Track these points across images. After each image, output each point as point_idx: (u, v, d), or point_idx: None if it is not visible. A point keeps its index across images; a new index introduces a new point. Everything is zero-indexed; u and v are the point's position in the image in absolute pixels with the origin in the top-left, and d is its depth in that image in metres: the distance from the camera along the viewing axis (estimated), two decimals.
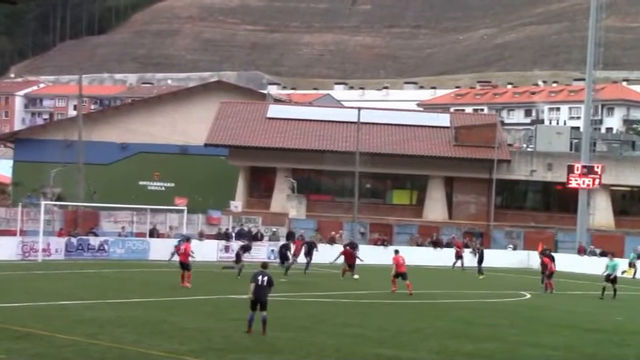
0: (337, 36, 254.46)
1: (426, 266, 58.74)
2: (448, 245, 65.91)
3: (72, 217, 60.64)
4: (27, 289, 36.05)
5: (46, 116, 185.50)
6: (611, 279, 43.15)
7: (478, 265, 55.84)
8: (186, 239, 43.96)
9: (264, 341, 24.41)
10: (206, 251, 56.42)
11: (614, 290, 42.98)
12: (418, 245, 65.81)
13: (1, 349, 21.35)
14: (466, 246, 65.13)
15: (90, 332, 24.27)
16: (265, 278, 25.44)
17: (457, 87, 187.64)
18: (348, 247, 49.17)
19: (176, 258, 45.21)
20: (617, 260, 46.02)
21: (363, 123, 72.01)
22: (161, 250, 55.28)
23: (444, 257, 63.11)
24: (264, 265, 26.71)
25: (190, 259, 39.92)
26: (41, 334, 23.80)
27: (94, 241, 55.07)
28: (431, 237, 67.38)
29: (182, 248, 40.53)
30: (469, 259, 61.16)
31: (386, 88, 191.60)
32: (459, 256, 60.97)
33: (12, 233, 53.28)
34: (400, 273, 41.05)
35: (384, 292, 40.44)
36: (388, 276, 41.93)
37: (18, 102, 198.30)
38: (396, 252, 42.29)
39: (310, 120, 78.85)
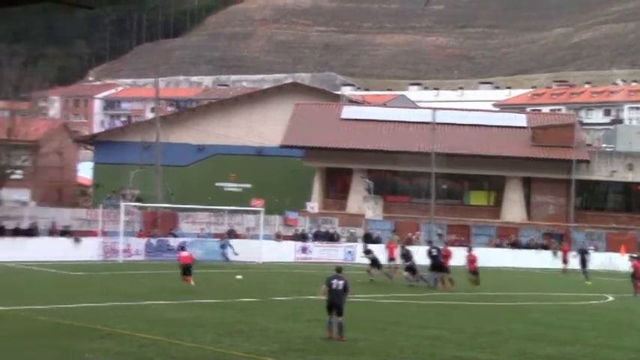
0: (411, 36, 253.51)
1: (505, 268, 58.23)
2: (527, 247, 65.27)
3: (151, 218, 61.28)
4: (108, 289, 36.52)
5: (124, 119, 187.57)
6: None
7: (582, 268, 54.55)
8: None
9: (343, 343, 24.38)
10: (283, 252, 56.70)
11: None
12: (497, 246, 65.26)
13: (86, 348, 21.66)
14: (545, 247, 64.42)
15: (170, 332, 24.48)
16: (341, 282, 25.15)
17: (533, 87, 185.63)
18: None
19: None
20: None
21: (438, 123, 71.63)
22: (239, 251, 55.65)
23: (523, 258, 62.49)
24: (339, 270, 26.20)
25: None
26: (123, 333, 24.08)
27: (173, 242, 55.59)
28: (509, 238, 66.77)
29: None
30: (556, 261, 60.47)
31: (461, 88, 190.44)
32: (565, 260, 60.22)
33: (93, 234, 54.02)
34: (470, 271, 41.12)
35: (461, 294, 40.17)
36: (465, 277, 41.70)
37: (97, 105, 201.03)
38: (469, 250, 42.38)
39: (385, 121, 78.64)
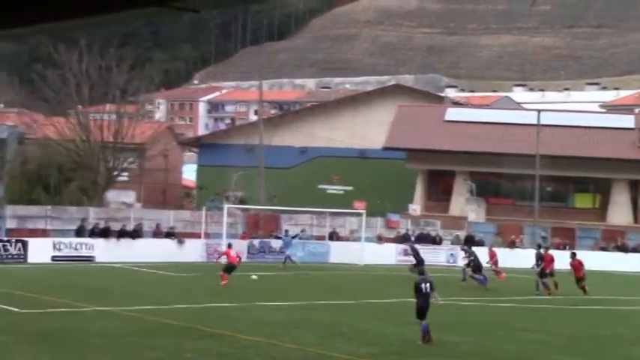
0: (516, 37, 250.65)
1: (610, 271, 57.11)
2: (634, 250, 63.91)
3: (253, 220, 61.76)
4: (211, 290, 36.93)
5: (228, 121, 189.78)
6: None
7: None
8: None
9: (445, 345, 24.23)
10: (385, 254, 56.55)
11: None
12: (602, 250, 64.02)
13: (188, 348, 21.96)
14: None
15: (271, 333, 24.65)
16: (427, 285, 25.00)
17: None
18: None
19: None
20: None
21: (543, 125, 70.60)
22: (341, 253, 55.72)
23: (629, 262, 61.21)
24: (423, 272, 26.22)
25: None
26: (224, 334, 24.34)
27: (275, 243, 55.93)
28: (615, 241, 65.46)
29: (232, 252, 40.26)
30: None
31: (567, 89, 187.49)
32: None
33: (197, 236, 54.68)
34: (577, 278, 40.42)
35: (564, 298, 39.52)
36: (568, 281, 41.05)
37: (201, 108, 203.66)
38: (573, 256, 41.56)
39: (489, 122, 77.84)
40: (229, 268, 38.88)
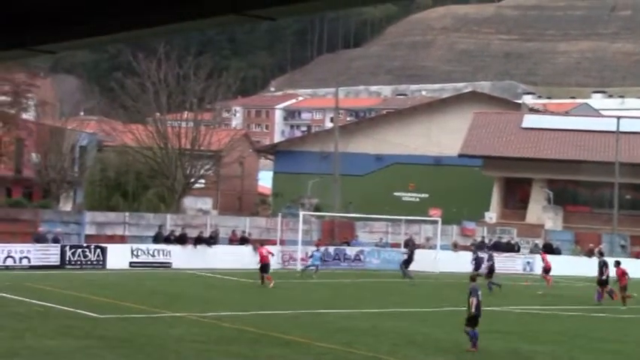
0: (595, 43, 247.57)
1: None
2: None
3: (329, 227, 61.84)
4: (286, 297, 37.08)
5: (304, 128, 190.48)
6: None
7: None
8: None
9: (520, 355, 24.01)
10: (460, 262, 56.14)
11: None
12: None
13: (264, 355, 22.08)
14: None
15: (346, 341, 24.66)
16: (480, 293, 24.87)
17: None
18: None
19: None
20: None
21: (622, 132, 69.64)
22: (416, 261, 55.47)
23: None
24: (474, 278, 26.16)
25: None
26: (300, 341, 24.42)
27: (350, 250, 55.93)
28: None
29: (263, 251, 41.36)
30: None
31: None
32: None
33: (272, 242, 54.91)
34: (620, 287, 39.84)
35: None
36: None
37: (277, 115, 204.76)
38: (617, 264, 40.83)
39: (567, 130, 77.02)
40: (264, 267, 40.58)
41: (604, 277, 40.88)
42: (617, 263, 40.78)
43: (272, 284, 39.15)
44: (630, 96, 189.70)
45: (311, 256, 49.97)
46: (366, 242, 59.07)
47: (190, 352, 22.31)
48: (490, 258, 46.82)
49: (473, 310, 24.62)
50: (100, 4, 7.74)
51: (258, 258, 42.24)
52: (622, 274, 40.19)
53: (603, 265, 41.38)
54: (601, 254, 46.94)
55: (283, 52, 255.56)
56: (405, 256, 49.77)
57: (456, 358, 23.30)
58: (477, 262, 47.97)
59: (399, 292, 42.62)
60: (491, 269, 45.06)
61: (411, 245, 52.23)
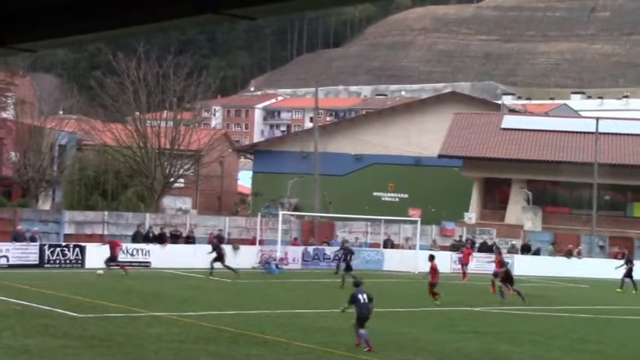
0: (574, 44, 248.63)
1: None
2: None
3: (308, 227, 61.88)
4: (265, 297, 37.08)
5: (284, 128, 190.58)
6: None
7: None
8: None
9: (498, 355, 24.09)
10: (440, 263, 56.12)
11: None
12: None
13: (242, 355, 22.07)
14: None
15: (324, 341, 24.69)
16: (365, 295, 24.91)
17: None
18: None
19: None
20: None
21: (601, 133, 69.94)
22: (395, 261, 55.59)
23: None
24: (358, 284, 25.91)
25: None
26: (279, 340, 24.42)
27: (330, 250, 55.97)
28: None
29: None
30: None
31: (626, 97, 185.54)
32: None
33: (252, 242, 54.91)
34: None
35: (624, 308, 39.12)
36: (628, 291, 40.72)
37: (257, 115, 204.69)
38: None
39: (546, 130, 77.27)
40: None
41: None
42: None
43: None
44: (609, 97, 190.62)
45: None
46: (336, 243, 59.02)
47: (169, 351, 22.27)
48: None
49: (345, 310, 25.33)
50: (79, 3, 7.73)
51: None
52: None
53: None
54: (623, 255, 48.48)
55: (263, 51, 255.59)
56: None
57: (436, 357, 23.36)
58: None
59: (378, 292, 42.59)
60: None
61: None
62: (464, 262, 53.16)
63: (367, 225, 62.12)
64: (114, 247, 46.09)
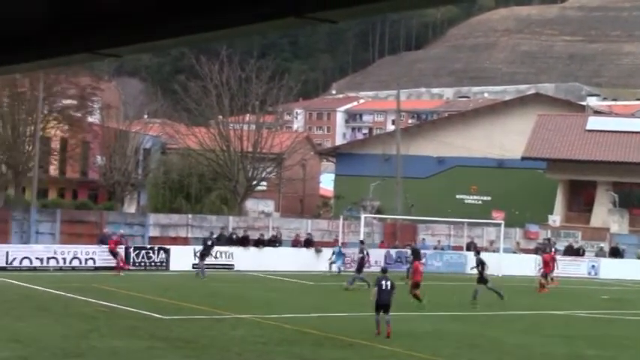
0: None
1: None
2: None
3: (390, 229, 61.72)
4: (350, 299, 37.05)
5: (366, 131, 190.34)
6: None
7: None
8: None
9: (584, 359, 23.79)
10: (523, 265, 55.66)
11: None
12: None
13: (327, 357, 22.09)
14: None
15: (408, 344, 24.61)
16: (388, 283, 26.52)
17: None
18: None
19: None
20: None
21: None
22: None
23: None
24: (385, 270, 28.29)
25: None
26: (362, 344, 24.41)
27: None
28: None
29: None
30: None
31: None
32: None
33: (334, 244, 54.91)
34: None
35: None
36: None
37: (339, 117, 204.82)
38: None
39: (632, 132, 75.99)
40: None
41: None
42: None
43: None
44: None
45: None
46: (431, 245, 58.75)
47: (252, 353, 22.41)
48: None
49: (371, 298, 26.79)
50: (162, 7, 7.81)
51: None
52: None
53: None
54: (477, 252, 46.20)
55: (345, 54, 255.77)
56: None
57: None
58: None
59: (462, 295, 42.34)
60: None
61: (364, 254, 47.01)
62: (546, 272, 47.45)
63: (450, 228, 61.73)
64: (115, 244, 46.09)
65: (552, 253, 51.55)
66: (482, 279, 38.79)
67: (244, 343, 23.77)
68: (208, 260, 47.91)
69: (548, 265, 47.25)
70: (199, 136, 67.75)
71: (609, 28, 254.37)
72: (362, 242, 49.88)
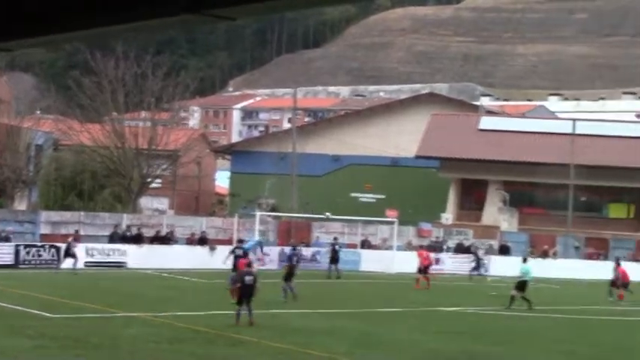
0: (552, 46, 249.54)
1: None
2: None
3: (285, 227, 61.85)
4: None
5: (262, 129, 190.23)
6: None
7: None
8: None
9: (474, 356, 24.18)
10: (417, 263, 56.26)
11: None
12: (636, 260, 63.47)
13: (218, 355, 22.06)
14: None
15: (302, 341, 24.67)
16: (251, 278, 27.79)
17: None
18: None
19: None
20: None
21: (578, 135, 70.32)
22: (372, 261, 55.68)
23: None
24: (250, 264, 29.93)
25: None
26: (255, 341, 24.39)
27: (307, 251, 55.94)
28: None
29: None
30: None
31: (602, 98, 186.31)
32: None
33: (228, 242, 54.81)
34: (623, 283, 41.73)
35: (598, 308, 39.35)
36: (602, 291, 40.99)
37: (235, 115, 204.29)
38: (618, 263, 43.17)
39: (523, 132, 77.57)
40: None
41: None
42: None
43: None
44: (585, 99, 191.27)
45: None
46: (325, 243, 58.99)
47: (144, 352, 22.24)
48: None
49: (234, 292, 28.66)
50: (58, 3, 7.73)
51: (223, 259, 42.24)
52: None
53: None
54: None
55: (242, 51, 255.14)
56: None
57: (412, 358, 23.42)
58: None
59: (356, 293, 42.72)
60: None
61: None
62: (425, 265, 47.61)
63: (344, 226, 62.14)
64: None
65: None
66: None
67: (136, 342, 23.58)
68: (100, 258, 47.41)
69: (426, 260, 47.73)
70: (93, 133, 66.87)
71: (502, 29, 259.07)
72: (294, 248, 47.91)
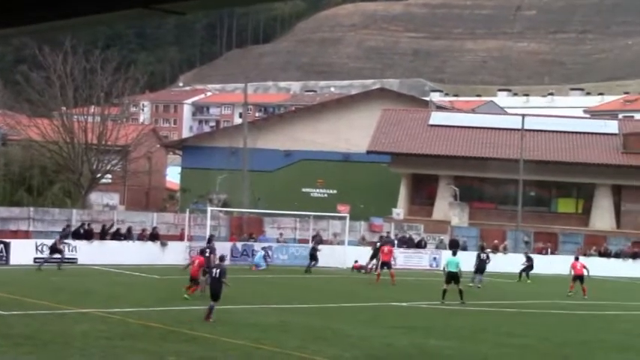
0: (501, 42, 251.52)
1: (593, 277, 57.32)
2: (616, 255, 64.22)
3: (237, 223, 61.71)
4: (194, 293, 36.76)
5: (213, 124, 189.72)
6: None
7: None
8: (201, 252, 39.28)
9: (426, 350, 24.29)
10: (368, 258, 56.43)
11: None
12: (585, 255, 64.17)
13: (171, 351, 21.93)
14: (635, 256, 63.36)
15: (254, 337, 24.62)
16: (218, 271, 27.90)
17: (626, 93, 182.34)
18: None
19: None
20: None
21: (527, 130, 70.90)
22: (324, 256, 55.67)
23: (611, 267, 61.45)
24: (222, 259, 30.71)
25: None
26: (207, 337, 24.30)
27: (258, 246, 55.86)
28: (597, 246, 65.68)
29: (196, 262, 35.66)
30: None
31: (551, 94, 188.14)
32: None
33: (179, 238, 54.57)
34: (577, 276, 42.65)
35: (549, 302, 39.72)
36: (554, 286, 41.37)
37: (186, 110, 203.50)
38: (576, 258, 43.85)
39: (473, 127, 78.06)
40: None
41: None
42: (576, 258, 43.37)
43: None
44: (534, 94, 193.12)
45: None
46: (273, 238, 59.00)
47: (95, 348, 22.04)
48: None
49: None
50: None
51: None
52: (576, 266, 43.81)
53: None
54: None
55: (192, 46, 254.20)
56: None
57: (365, 352, 23.45)
58: None
59: (308, 288, 42.72)
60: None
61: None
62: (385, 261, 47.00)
63: (296, 221, 62.15)
64: None
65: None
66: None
67: (87, 339, 23.36)
68: (49, 254, 46.97)
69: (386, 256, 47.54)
70: (42, 128, 66.28)
71: (452, 25, 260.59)
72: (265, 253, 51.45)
